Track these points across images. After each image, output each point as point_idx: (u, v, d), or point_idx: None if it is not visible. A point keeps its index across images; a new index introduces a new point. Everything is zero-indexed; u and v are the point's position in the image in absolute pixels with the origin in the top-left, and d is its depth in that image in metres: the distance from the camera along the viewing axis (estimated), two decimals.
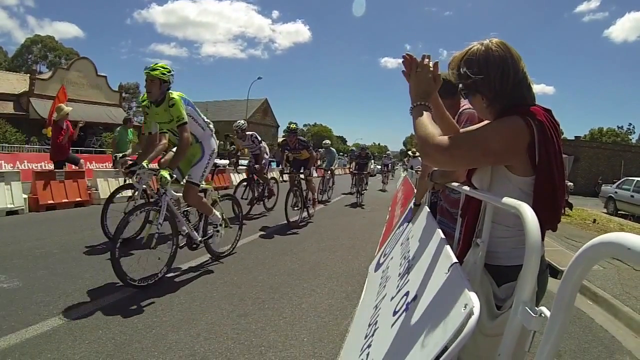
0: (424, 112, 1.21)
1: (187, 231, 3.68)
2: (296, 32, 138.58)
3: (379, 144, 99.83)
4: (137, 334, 2.46)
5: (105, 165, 12.67)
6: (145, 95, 3.60)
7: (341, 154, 38.47)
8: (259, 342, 2.48)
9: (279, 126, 51.88)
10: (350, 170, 13.30)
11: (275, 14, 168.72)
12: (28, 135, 20.45)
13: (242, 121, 7.43)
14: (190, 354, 2.27)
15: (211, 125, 4.05)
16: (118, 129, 9.85)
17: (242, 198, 6.57)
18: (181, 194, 3.75)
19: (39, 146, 18.24)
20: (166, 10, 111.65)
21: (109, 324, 2.56)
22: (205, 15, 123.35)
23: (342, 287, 3.65)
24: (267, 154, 7.62)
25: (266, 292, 3.38)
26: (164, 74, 3.46)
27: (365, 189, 11.71)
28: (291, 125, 7.07)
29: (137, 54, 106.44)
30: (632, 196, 13.46)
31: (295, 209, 6.73)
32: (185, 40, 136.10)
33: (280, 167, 7.55)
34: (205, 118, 4.01)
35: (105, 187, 7.83)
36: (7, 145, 17.31)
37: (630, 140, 56.74)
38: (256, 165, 7.40)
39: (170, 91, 3.57)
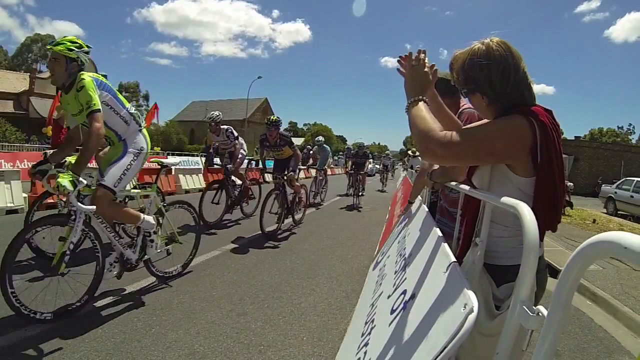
0: (422, 107, 1.19)
1: (119, 250, 2.96)
2: (296, 31, 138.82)
3: (379, 144, 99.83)
4: (137, 333, 2.46)
5: None
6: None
7: (340, 153, 38.39)
8: (258, 341, 2.48)
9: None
10: (346, 170, 12.30)
11: (275, 13, 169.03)
12: (28, 134, 20.46)
13: (217, 112, 6.48)
14: (189, 353, 2.27)
15: (141, 119, 3.14)
16: None
17: (213, 202, 6.07)
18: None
19: (39, 145, 18.23)
20: (166, 10, 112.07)
21: (109, 323, 2.56)
22: (205, 15, 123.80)
23: (342, 286, 3.65)
24: (244, 151, 6.76)
25: (266, 291, 3.38)
26: (70, 49, 2.69)
27: (362, 194, 10.58)
28: (272, 117, 5.90)
29: (137, 53, 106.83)
30: (631, 196, 13.46)
31: (275, 214, 5.76)
32: (186, 39, 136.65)
33: (260, 165, 6.74)
34: (131, 109, 3.06)
35: None
36: (7, 144, 17.32)
37: (630, 140, 56.78)
38: (229, 166, 6.42)
39: (82, 72, 2.77)
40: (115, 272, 2.95)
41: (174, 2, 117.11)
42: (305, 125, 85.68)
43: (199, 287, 3.35)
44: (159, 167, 3.54)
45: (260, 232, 5.39)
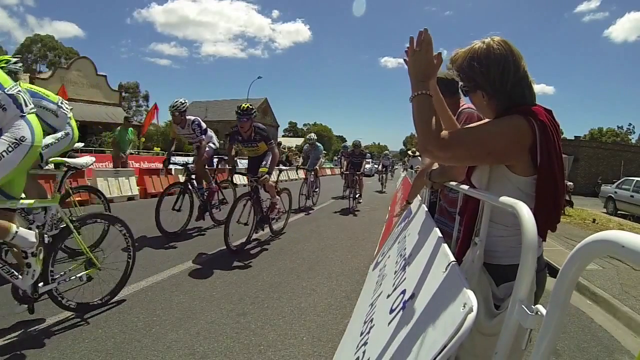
0: (426, 104, 1.17)
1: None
2: (296, 31, 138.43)
3: (378, 144, 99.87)
4: (137, 333, 2.46)
5: (105, 165, 12.66)
6: None
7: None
8: (258, 341, 2.48)
9: (278, 126, 51.97)
10: (342, 170, 10.91)
11: (275, 13, 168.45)
12: None
13: (182, 99, 5.32)
14: (189, 353, 2.28)
15: (29, 101, 2.41)
16: (118, 128, 9.88)
17: (174, 209, 5.09)
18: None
19: None
20: (166, 10, 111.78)
21: (109, 323, 2.56)
22: (205, 15, 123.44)
23: (342, 286, 3.65)
24: (214, 145, 5.87)
25: (265, 291, 3.38)
26: None
27: (360, 201, 9.76)
28: (243, 105, 4.80)
29: (137, 53, 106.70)
30: (631, 196, 13.46)
31: (244, 225, 4.75)
32: (185, 39, 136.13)
33: (228, 165, 5.33)
34: (12, 90, 2.28)
35: (105, 187, 7.83)
36: None
37: (630, 140, 56.80)
38: (190, 165, 5.41)
39: None
40: (20, 307, 2.38)
41: (174, 2, 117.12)
42: (305, 125, 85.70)
43: (198, 287, 3.35)
44: (65, 168, 2.64)
45: (194, 264, 4.00)
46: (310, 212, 8.38)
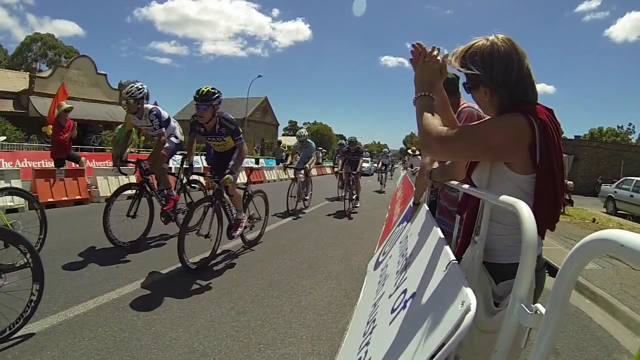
0: (428, 104, 1.23)
1: None
2: (296, 30, 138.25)
3: (378, 143, 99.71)
4: (137, 332, 2.47)
5: (105, 164, 12.64)
6: None
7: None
8: (257, 340, 2.48)
9: (279, 124, 51.94)
10: (337, 169, 9.98)
11: (275, 12, 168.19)
12: (28, 133, 20.45)
13: (138, 84, 4.53)
14: (189, 351, 2.28)
15: None
16: (119, 127, 9.86)
17: (129, 215, 4.30)
18: None
19: (38, 144, 18.24)
20: (166, 8, 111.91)
21: (109, 322, 2.57)
22: (205, 14, 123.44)
23: (341, 285, 3.66)
24: (176, 139, 4.95)
25: (265, 289, 3.39)
26: None
27: (357, 204, 9.01)
28: (203, 89, 3.87)
29: (137, 52, 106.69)
30: (631, 196, 13.47)
31: (205, 237, 3.90)
32: (186, 38, 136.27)
33: (186, 163, 4.64)
34: None
35: (105, 186, 7.83)
36: (6, 143, 17.30)
37: (630, 140, 56.77)
38: (143, 163, 4.48)
39: None
40: None
41: (174, 1, 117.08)
42: (305, 124, 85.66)
43: (198, 286, 3.35)
44: None
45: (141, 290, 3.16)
46: (300, 215, 7.48)
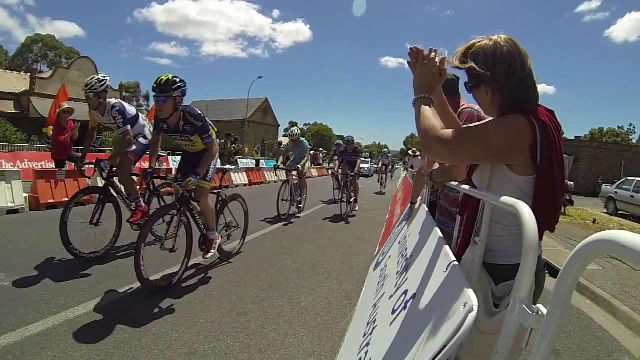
0: (427, 104, 1.22)
1: None
2: (297, 31, 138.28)
3: (379, 144, 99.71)
4: (137, 332, 2.47)
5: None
6: None
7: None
8: (258, 341, 2.48)
9: (279, 125, 51.93)
10: (333, 170, 9.24)
11: (275, 13, 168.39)
12: (28, 134, 20.47)
13: (101, 75, 3.98)
14: (190, 352, 2.28)
15: None
16: None
17: (92, 223, 3.82)
18: None
19: (39, 145, 18.26)
20: (167, 10, 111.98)
21: (110, 322, 2.57)
22: (205, 15, 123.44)
23: (342, 286, 3.65)
24: (145, 139, 4.31)
25: (266, 290, 3.39)
26: None
27: (356, 208, 8.55)
28: (162, 77, 3.27)
29: (137, 53, 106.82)
30: (632, 196, 13.45)
31: (170, 251, 3.31)
32: (186, 39, 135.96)
33: (151, 164, 3.64)
34: None
35: None
36: (7, 144, 17.32)
37: (631, 140, 56.75)
38: (103, 163, 3.98)
39: None
40: None
41: (175, 2, 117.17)
42: (305, 125, 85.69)
43: (199, 287, 3.35)
44: None
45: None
46: (292, 221, 6.94)
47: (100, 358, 2.15)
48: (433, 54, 1.27)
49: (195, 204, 3.64)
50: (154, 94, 3.28)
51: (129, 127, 4.07)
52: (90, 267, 3.61)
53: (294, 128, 8.05)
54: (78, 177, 7.35)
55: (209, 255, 3.63)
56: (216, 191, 4.14)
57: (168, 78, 3.25)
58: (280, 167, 7.71)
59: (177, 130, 3.46)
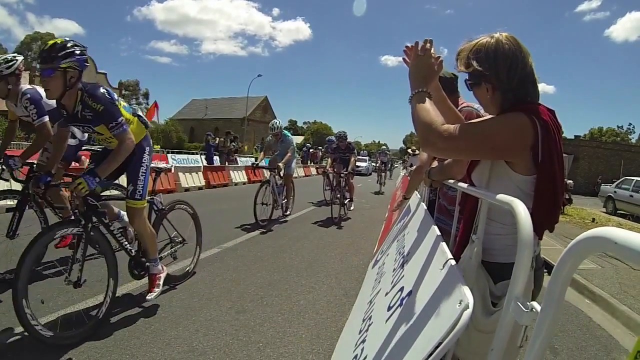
0: (426, 99, 1.20)
1: None
2: (297, 29, 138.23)
3: (378, 142, 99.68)
4: (136, 330, 2.47)
5: None
6: None
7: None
8: (257, 339, 2.49)
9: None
10: (324, 169, 8.50)
11: (275, 11, 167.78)
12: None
13: (9, 56, 3.14)
14: (189, 350, 2.28)
15: None
16: None
17: (9, 235, 3.09)
18: None
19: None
20: (166, 8, 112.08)
21: (108, 319, 2.57)
22: (205, 13, 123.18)
23: (341, 284, 3.66)
24: (72, 137, 3.53)
25: (265, 288, 3.39)
26: None
27: (351, 208, 8.08)
28: (49, 42, 2.43)
29: (137, 51, 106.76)
30: (631, 196, 13.46)
31: (77, 288, 2.42)
32: (186, 37, 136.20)
33: (47, 168, 2.90)
34: None
35: None
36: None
37: (630, 140, 56.80)
38: (12, 160, 3.07)
39: None
40: None
41: (174, 0, 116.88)
42: (305, 123, 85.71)
43: (198, 285, 3.35)
44: None
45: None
46: (272, 229, 5.97)
47: (99, 355, 2.15)
48: (428, 44, 1.26)
49: (131, 227, 2.90)
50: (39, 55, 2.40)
51: (46, 118, 3.21)
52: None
53: (274, 120, 6.83)
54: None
55: (154, 295, 2.75)
56: (149, 198, 3.02)
57: (55, 42, 2.39)
58: (259, 165, 6.69)
59: (75, 117, 2.49)
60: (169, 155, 16.81)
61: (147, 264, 2.88)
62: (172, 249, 3.32)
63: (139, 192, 2.70)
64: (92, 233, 2.44)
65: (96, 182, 2.32)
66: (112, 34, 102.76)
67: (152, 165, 2.96)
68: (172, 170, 10.02)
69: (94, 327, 2.38)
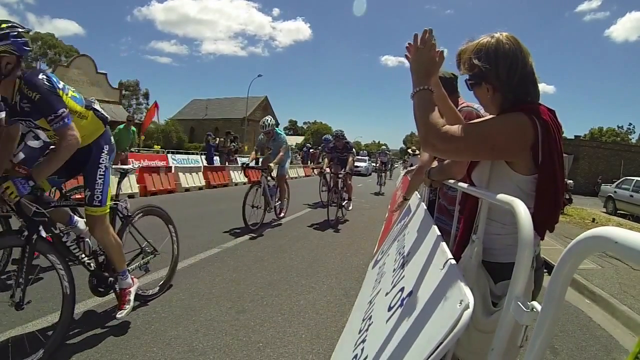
0: (427, 98, 1.19)
1: None
2: (297, 30, 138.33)
3: (378, 142, 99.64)
4: (136, 330, 2.47)
5: None
6: None
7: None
8: (257, 339, 2.49)
9: (279, 124, 51.86)
10: (321, 168, 7.95)
11: (275, 11, 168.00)
12: None
13: None
14: (189, 350, 2.28)
15: None
16: (120, 126, 9.85)
17: None
18: None
19: None
20: (166, 8, 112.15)
21: (107, 320, 2.57)
22: (205, 13, 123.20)
23: (341, 284, 3.66)
24: (36, 139, 3.18)
25: (265, 288, 3.39)
26: None
27: (349, 208, 7.72)
28: None
29: (137, 51, 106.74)
30: (631, 196, 13.46)
31: (19, 310, 2.03)
32: (186, 37, 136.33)
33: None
34: None
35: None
36: None
37: (630, 140, 56.80)
38: None
39: None
40: None
41: (174, 0, 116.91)
42: (305, 123, 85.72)
43: (198, 285, 3.35)
44: None
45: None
46: (263, 233, 5.60)
47: (98, 355, 2.15)
48: (427, 34, 1.24)
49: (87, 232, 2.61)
50: None
51: (2, 114, 2.53)
52: None
53: (266, 117, 6.46)
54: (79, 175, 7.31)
55: (124, 312, 2.44)
56: (113, 202, 2.77)
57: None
58: (249, 166, 6.36)
59: (14, 110, 2.11)
60: (169, 155, 16.82)
61: (113, 278, 2.55)
62: (143, 261, 2.94)
63: (98, 197, 2.41)
64: (37, 245, 2.03)
65: (29, 185, 1.95)
66: (112, 34, 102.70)
67: (114, 166, 2.71)
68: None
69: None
